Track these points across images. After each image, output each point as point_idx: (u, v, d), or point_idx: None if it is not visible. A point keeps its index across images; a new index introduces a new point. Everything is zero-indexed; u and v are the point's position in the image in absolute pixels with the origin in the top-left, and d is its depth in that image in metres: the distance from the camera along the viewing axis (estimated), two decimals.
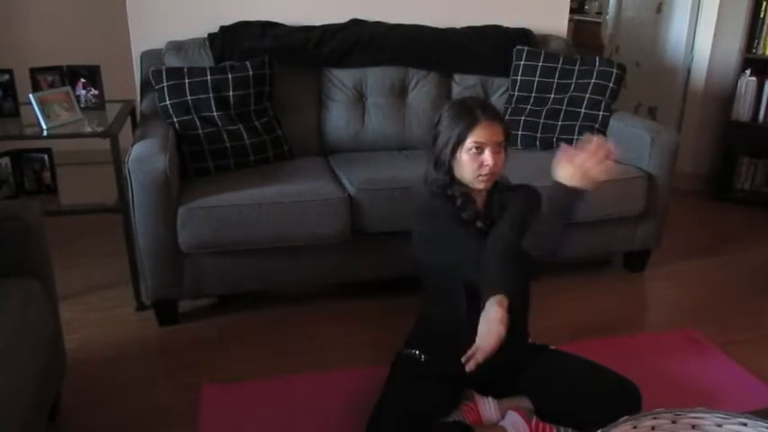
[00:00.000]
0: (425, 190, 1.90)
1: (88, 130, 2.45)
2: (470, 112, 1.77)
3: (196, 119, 2.52)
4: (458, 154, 1.78)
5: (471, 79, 3.05)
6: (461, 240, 1.76)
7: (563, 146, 1.69)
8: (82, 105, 2.63)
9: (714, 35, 3.78)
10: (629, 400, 1.71)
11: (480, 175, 1.77)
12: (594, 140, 1.64)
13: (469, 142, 1.75)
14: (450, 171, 1.82)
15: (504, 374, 1.82)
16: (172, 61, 2.72)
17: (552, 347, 1.94)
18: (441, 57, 2.99)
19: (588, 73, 2.92)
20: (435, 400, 1.72)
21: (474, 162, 1.76)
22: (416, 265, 1.93)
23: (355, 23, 3.00)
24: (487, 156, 1.74)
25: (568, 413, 1.72)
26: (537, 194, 1.91)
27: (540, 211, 1.83)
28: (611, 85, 2.88)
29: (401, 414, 1.67)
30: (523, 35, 3.12)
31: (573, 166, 1.63)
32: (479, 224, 1.81)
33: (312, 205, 2.32)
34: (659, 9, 4.22)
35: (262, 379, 2.08)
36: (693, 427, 1.26)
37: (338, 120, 2.89)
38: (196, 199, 2.26)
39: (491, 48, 3.05)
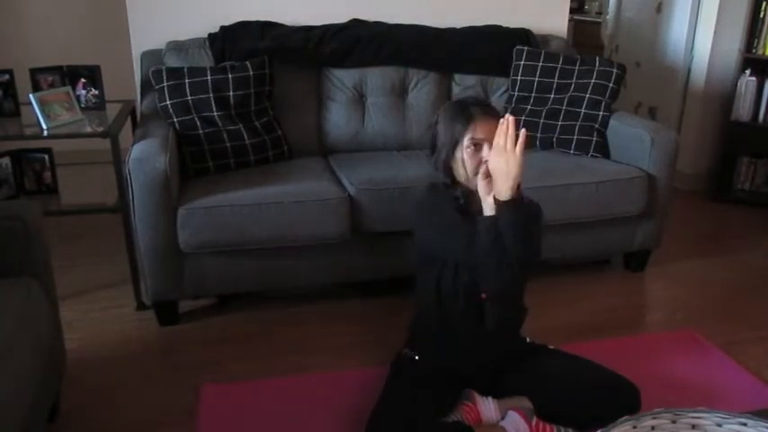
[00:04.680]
0: (427, 188, 1.89)
1: (88, 130, 2.45)
2: (466, 110, 1.75)
3: (196, 119, 2.52)
4: (456, 154, 1.76)
5: (471, 79, 3.05)
6: (460, 225, 1.71)
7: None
8: (82, 105, 2.63)
9: (714, 35, 3.78)
10: (628, 401, 1.71)
11: (480, 173, 1.73)
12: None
13: (467, 140, 1.72)
14: (450, 172, 1.80)
15: (499, 373, 1.83)
16: (172, 61, 2.72)
17: (551, 347, 1.94)
18: (441, 57, 2.99)
19: (588, 73, 2.92)
20: (432, 402, 1.72)
21: (473, 160, 1.73)
22: (419, 259, 1.90)
23: (355, 23, 3.00)
24: (486, 152, 1.69)
25: (568, 413, 1.72)
26: (538, 209, 1.82)
27: (540, 225, 1.79)
28: (611, 84, 2.88)
29: (400, 416, 1.67)
30: (523, 35, 3.12)
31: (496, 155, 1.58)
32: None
33: (312, 205, 2.32)
34: (659, 9, 4.22)
35: (262, 379, 2.08)
36: (693, 427, 1.26)
37: (338, 120, 2.89)
38: (196, 199, 2.26)
39: (491, 48, 3.05)
